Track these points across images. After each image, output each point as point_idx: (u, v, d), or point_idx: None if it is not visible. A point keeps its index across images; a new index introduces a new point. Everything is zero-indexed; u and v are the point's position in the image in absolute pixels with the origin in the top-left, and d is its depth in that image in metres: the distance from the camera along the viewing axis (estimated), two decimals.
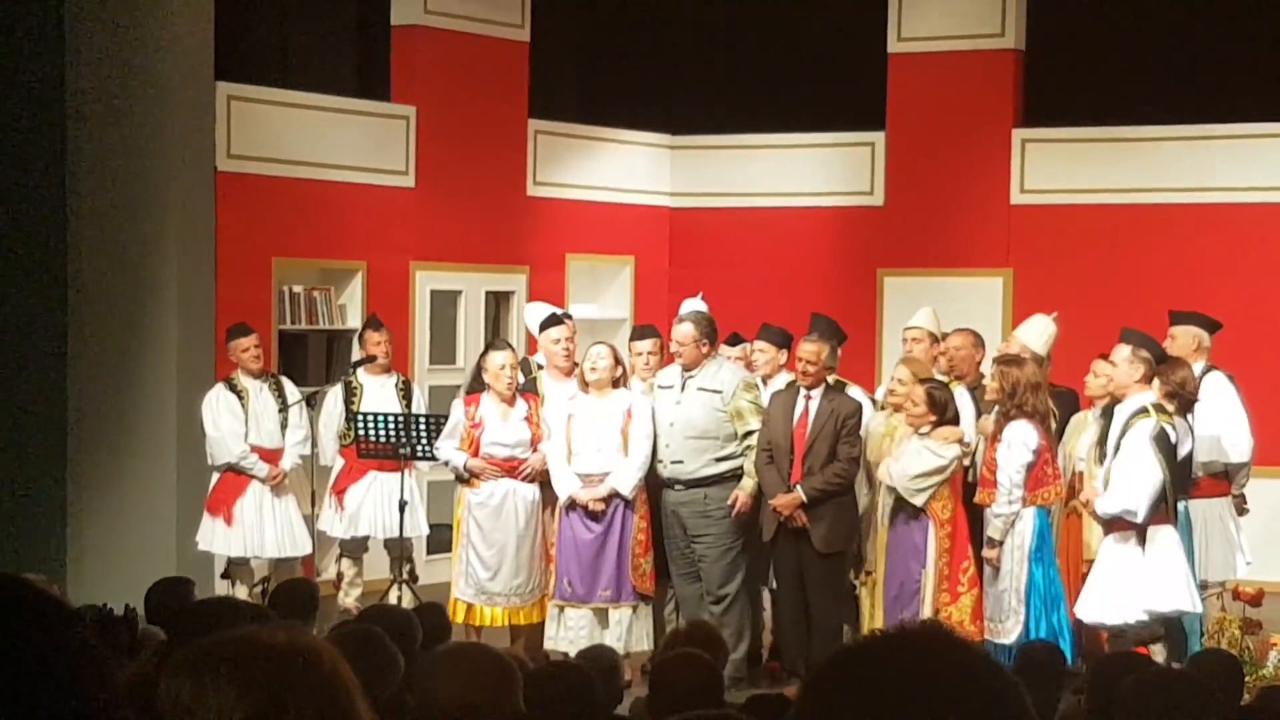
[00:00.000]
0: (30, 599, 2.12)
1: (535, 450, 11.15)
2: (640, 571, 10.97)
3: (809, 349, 10.93)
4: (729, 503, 11.03)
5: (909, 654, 1.99)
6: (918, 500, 10.41)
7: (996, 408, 10.41)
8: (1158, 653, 9.71)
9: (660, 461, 11.12)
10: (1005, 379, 10.25)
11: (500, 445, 11.11)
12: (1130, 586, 9.86)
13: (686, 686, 6.01)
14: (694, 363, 11.15)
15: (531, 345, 12.59)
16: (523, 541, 11.12)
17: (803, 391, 10.93)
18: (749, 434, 11.05)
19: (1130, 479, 9.83)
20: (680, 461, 11.08)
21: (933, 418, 10.49)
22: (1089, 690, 6.15)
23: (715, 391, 11.12)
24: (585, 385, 11.11)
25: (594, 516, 10.92)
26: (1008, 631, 10.17)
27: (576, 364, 11.45)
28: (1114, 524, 9.96)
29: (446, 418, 11.57)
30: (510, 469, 11.12)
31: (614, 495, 10.92)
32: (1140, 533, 9.86)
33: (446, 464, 11.40)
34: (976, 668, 1.98)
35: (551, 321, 11.70)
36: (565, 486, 10.99)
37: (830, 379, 11.16)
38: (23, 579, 2.14)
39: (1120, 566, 9.92)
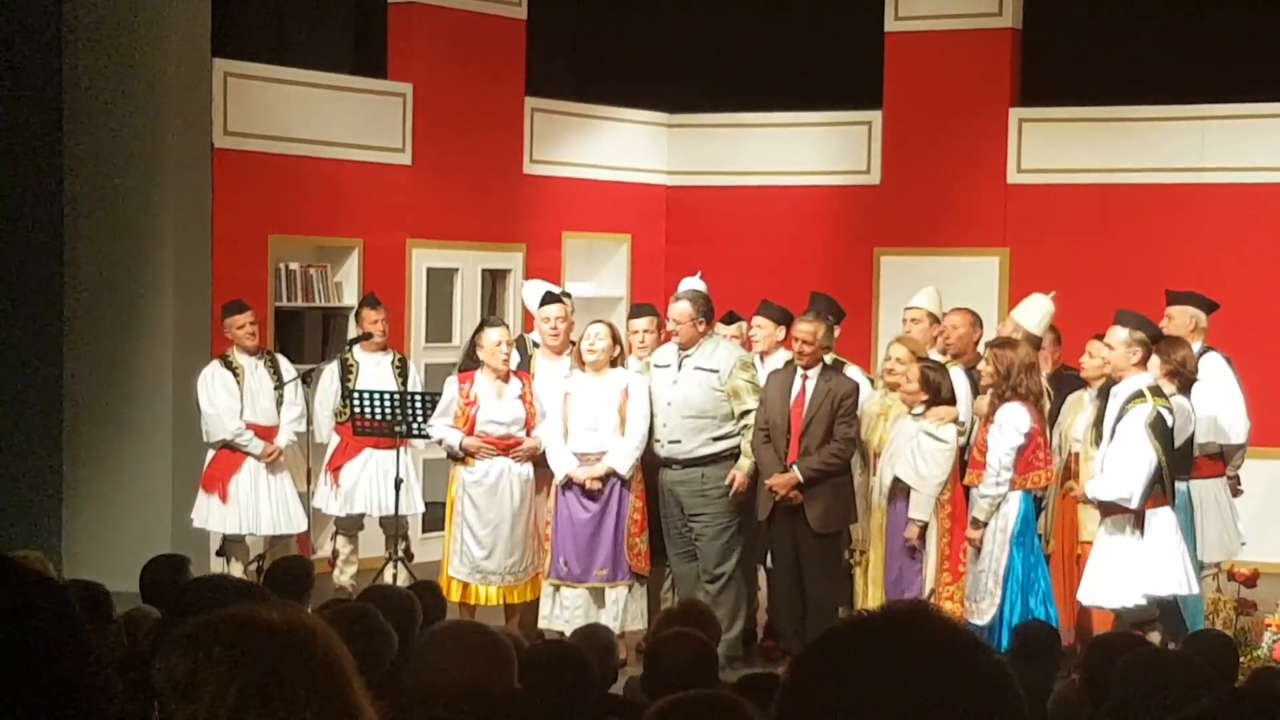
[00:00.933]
0: (13, 575, 2.12)
1: (529, 428, 11.13)
2: (636, 551, 10.96)
3: (805, 328, 10.93)
4: (726, 482, 11.03)
5: (895, 634, 1.99)
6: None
7: (991, 389, 10.40)
8: (1156, 635, 9.70)
9: (657, 441, 11.11)
10: (999, 361, 10.22)
11: (495, 423, 11.08)
12: (1127, 569, 9.84)
13: (681, 665, 6.02)
14: (691, 341, 11.14)
15: (528, 323, 12.59)
16: (517, 520, 11.10)
17: (800, 371, 10.93)
18: (746, 413, 11.05)
19: (1123, 465, 9.79)
20: (677, 441, 11.08)
21: (924, 397, 10.49)
22: (1084, 671, 6.16)
23: (712, 371, 11.10)
24: (583, 364, 11.09)
25: (590, 496, 10.90)
26: (983, 612, 10.15)
27: (574, 342, 11.44)
28: (1110, 507, 9.94)
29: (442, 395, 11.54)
30: (505, 447, 11.10)
31: (611, 474, 10.91)
32: (1137, 515, 9.84)
33: (440, 442, 11.37)
34: (963, 648, 1.99)
35: (543, 300, 11.72)
36: (562, 465, 10.97)
37: (829, 358, 11.16)
38: (5, 556, 2.13)
39: (1117, 549, 9.89)
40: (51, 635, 2.08)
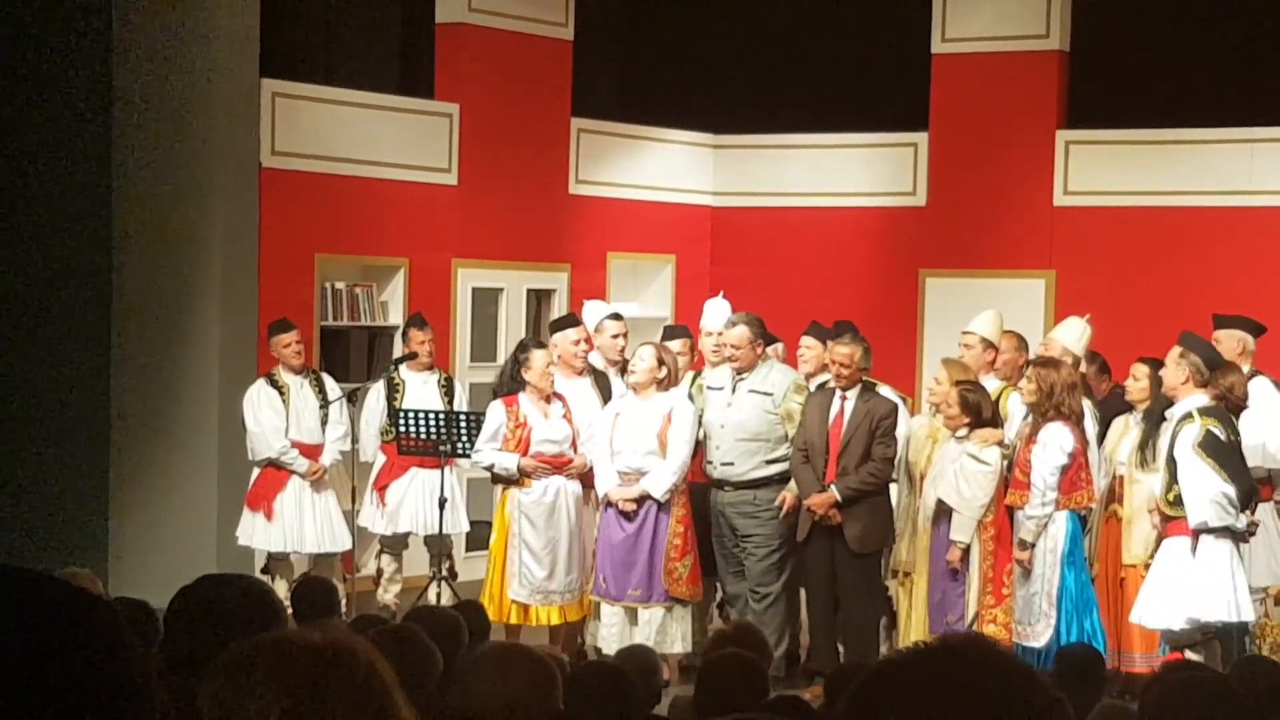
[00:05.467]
0: (57, 590, 2.12)
1: (576, 446, 11.19)
2: (675, 575, 10.92)
3: (842, 351, 10.91)
4: (776, 503, 11.04)
5: (953, 668, 1.98)
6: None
7: (1032, 408, 10.36)
8: (1194, 656, 9.64)
9: (710, 463, 11.15)
10: (1042, 380, 10.21)
11: (550, 442, 11.12)
12: (1177, 592, 9.77)
13: (733, 686, 6.02)
14: (750, 364, 11.17)
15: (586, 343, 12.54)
16: (574, 537, 11.15)
17: (838, 392, 10.92)
18: None
19: (1187, 492, 9.71)
20: (730, 463, 11.10)
21: (966, 419, 10.47)
22: (1143, 706, 6.08)
23: (766, 394, 11.14)
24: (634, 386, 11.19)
25: (627, 516, 10.92)
26: (1038, 635, 10.12)
27: (626, 360, 11.52)
28: (1171, 527, 9.86)
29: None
30: (558, 466, 11.14)
31: (646, 497, 10.91)
32: (1193, 539, 9.76)
33: (490, 468, 11.35)
34: (1020, 683, 1.98)
35: (570, 322, 11.79)
36: (604, 484, 11.00)
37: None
38: (52, 576, 2.14)
39: (1170, 571, 9.83)
40: (96, 651, 2.09)
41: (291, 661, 2.51)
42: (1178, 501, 9.80)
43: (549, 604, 11.10)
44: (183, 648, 4.06)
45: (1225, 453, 9.74)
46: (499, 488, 11.40)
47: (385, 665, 2.58)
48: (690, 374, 11.74)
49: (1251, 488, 9.94)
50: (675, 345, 11.75)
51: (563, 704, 4.92)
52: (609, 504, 10.98)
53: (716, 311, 11.74)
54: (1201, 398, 9.96)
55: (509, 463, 11.13)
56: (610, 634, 10.75)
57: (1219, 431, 9.76)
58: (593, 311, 12.24)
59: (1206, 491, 9.65)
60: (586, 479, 11.20)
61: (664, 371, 11.06)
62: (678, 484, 10.95)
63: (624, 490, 10.90)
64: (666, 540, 10.91)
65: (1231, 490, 9.66)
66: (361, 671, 2.53)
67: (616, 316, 12.18)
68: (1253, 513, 9.93)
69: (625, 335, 12.10)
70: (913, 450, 10.98)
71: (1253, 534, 9.94)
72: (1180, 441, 9.78)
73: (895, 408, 11.01)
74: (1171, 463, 9.86)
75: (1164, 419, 10.24)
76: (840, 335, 11.24)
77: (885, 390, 11.39)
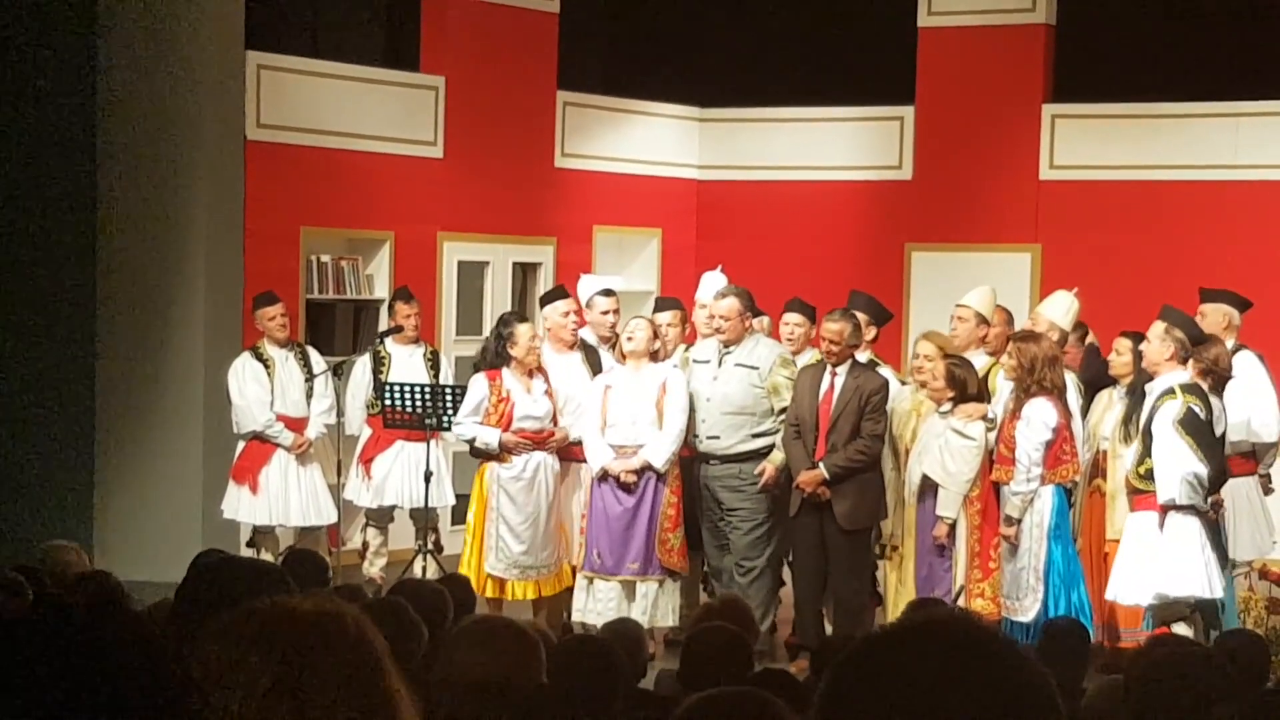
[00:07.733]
0: (89, 598, 2.13)
1: (556, 420, 11.17)
2: (668, 546, 10.96)
3: (831, 327, 10.89)
4: (756, 473, 11.05)
5: (937, 643, 1.98)
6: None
7: (1014, 383, 10.37)
8: (1183, 628, 9.67)
9: (696, 437, 11.14)
10: (1023, 355, 10.21)
11: (531, 418, 11.11)
12: (1148, 567, 9.80)
13: (719, 660, 6.04)
14: (738, 337, 11.17)
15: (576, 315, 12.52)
16: (551, 513, 11.15)
17: (829, 368, 10.92)
18: (785, 410, 11.07)
19: (1161, 467, 9.74)
20: (716, 437, 11.10)
21: (951, 394, 10.48)
22: (1128, 675, 6.10)
23: (753, 367, 11.13)
24: (623, 357, 11.15)
25: (625, 489, 10.92)
26: (1026, 609, 10.14)
27: (617, 336, 11.50)
28: (1139, 501, 9.90)
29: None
30: (539, 441, 11.13)
31: (646, 468, 10.92)
32: (1161, 514, 9.79)
33: (470, 441, 11.34)
34: (1004, 659, 1.98)
35: (559, 294, 11.78)
36: (599, 458, 10.99)
37: (863, 358, 11.14)
38: (82, 578, 2.15)
39: (1141, 547, 9.86)
40: (128, 660, 2.09)
41: (283, 629, 2.52)
42: (1149, 475, 9.82)
43: (525, 579, 11.10)
44: (190, 625, 4.05)
45: (1203, 432, 9.76)
46: (477, 461, 11.40)
47: (376, 633, 2.59)
48: (681, 346, 11.74)
49: (1222, 469, 9.99)
50: (666, 317, 11.75)
51: (546, 677, 4.93)
52: (604, 478, 10.97)
53: (713, 284, 11.72)
54: (1184, 374, 9.98)
55: (491, 438, 11.12)
56: (608, 609, 10.71)
57: (1199, 410, 9.78)
58: (586, 286, 12.20)
59: (1179, 469, 9.67)
60: (564, 453, 11.21)
61: (657, 343, 11.11)
62: (676, 453, 10.98)
63: (625, 462, 10.90)
64: (661, 512, 10.93)
65: (1204, 471, 9.70)
66: (352, 639, 2.54)
67: (608, 292, 12.11)
68: (1216, 493, 9.96)
69: (616, 311, 12.02)
70: (896, 424, 10.99)
71: (1218, 513, 9.97)
72: (1160, 417, 9.78)
73: (885, 383, 10.97)
74: (1147, 436, 9.87)
75: (1145, 393, 10.24)
76: (854, 306, 11.25)
77: (887, 373, 11.37)
